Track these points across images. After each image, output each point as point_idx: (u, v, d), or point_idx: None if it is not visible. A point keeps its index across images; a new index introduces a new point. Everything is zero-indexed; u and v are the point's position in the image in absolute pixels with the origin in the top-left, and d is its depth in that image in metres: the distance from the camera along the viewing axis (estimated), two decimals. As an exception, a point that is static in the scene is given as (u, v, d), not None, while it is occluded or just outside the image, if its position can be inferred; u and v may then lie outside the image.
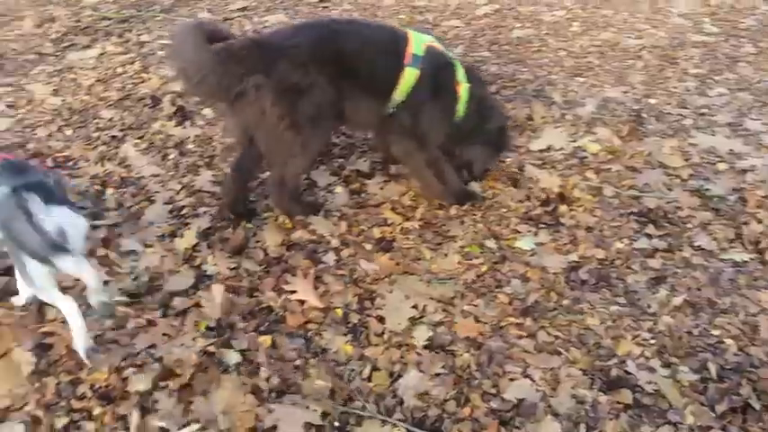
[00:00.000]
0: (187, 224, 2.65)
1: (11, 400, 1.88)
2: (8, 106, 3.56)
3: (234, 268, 2.42)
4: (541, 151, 3.10)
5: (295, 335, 2.14)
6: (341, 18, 2.83)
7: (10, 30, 4.67)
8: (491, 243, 2.54)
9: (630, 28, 4.54)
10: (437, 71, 2.60)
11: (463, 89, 2.67)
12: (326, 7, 5.18)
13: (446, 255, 2.49)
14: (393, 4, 5.21)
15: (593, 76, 3.89)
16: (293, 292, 2.29)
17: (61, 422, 1.82)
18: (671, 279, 2.35)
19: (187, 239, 2.55)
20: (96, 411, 1.85)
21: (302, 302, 2.26)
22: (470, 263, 2.45)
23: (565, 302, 2.26)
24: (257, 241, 2.57)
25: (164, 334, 2.12)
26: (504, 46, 4.37)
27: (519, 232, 2.59)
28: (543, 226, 2.62)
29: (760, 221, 2.56)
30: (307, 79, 2.40)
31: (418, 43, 2.56)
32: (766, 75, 3.77)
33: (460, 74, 2.67)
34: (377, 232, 2.61)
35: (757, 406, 1.86)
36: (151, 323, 2.16)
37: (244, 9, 5.16)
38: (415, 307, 2.23)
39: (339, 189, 2.87)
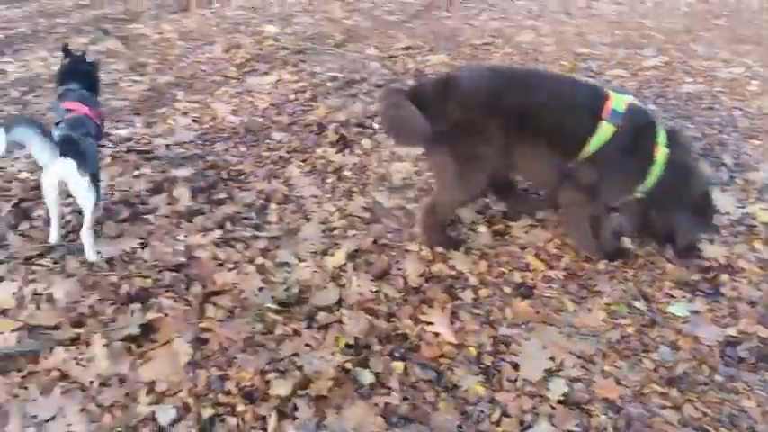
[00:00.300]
0: (337, 244, 2.80)
1: (167, 385, 2.04)
2: (194, 120, 4.02)
3: (375, 292, 2.52)
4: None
5: (428, 366, 2.18)
6: (541, 70, 2.83)
7: (202, 53, 5.30)
8: (640, 304, 2.43)
9: (819, 91, 4.16)
10: (635, 130, 2.50)
11: (661, 153, 2.49)
12: (488, 50, 5.30)
13: (590, 309, 2.42)
14: (555, 50, 5.21)
15: (771, 138, 3.60)
16: (429, 323, 2.34)
17: (207, 413, 1.94)
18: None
19: (336, 258, 2.70)
20: (239, 408, 1.96)
21: (437, 335, 2.30)
22: (616, 322, 2.36)
23: (717, 378, 2.10)
24: (399, 269, 2.66)
25: (306, 344, 2.24)
26: (672, 100, 4.19)
27: (673, 297, 2.46)
28: (700, 294, 2.47)
29: None
30: (476, 121, 2.48)
31: (619, 100, 2.51)
32: None
33: (661, 136, 2.52)
34: (517, 276, 2.60)
35: None
36: (296, 332, 2.30)
37: (408, 48, 5.44)
38: (552, 359, 2.18)
39: (482, 228, 2.91)
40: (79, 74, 2.97)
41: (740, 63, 4.73)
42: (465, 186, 2.64)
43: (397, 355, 2.23)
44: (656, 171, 2.49)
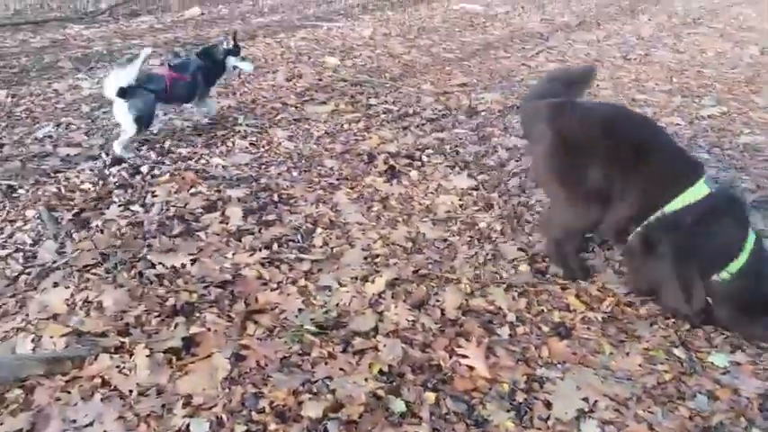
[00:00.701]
0: (378, 271, 2.86)
1: (203, 399, 2.09)
2: (251, 144, 4.19)
3: (412, 321, 2.56)
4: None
5: (460, 399, 2.18)
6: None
7: (264, 80, 5.53)
8: (679, 351, 2.38)
9: None
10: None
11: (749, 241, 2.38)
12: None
13: (628, 354, 2.39)
14: (611, 94, 5.20)
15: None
16: (464, 356, 2.36)
17: (240, 429, 1.98)
18: None
19: (376, 285, 2.75)
20: (271, 427, 1.99)
21: (471, 368, 2.31)
22: (653, 367, 2.32)
23: (755, 431, 2.04)
24: (437, 300, 2.69)
25: (341, 368, 2.28)
26: (728, 150, 4.13)
27: (714, 346, 2.40)
28: (742, 345, 2.39)
29: None
30: (583, 144, 2.53)
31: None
32: None
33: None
34: (556, 316, 2.59)
35: None
36: (332, 356, 2.34)
37: (463, 85, 5.54)
38: (585, 400, 2.16)
39: (523, 267, 2.92)
40: (203, 52, 4.31)
41: (803, 116, 4.62)
42: (572, 212, 2.68)
43: (429, 385, 2.25)
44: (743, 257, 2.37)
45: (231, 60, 4.36)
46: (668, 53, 6.35)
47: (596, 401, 2.15)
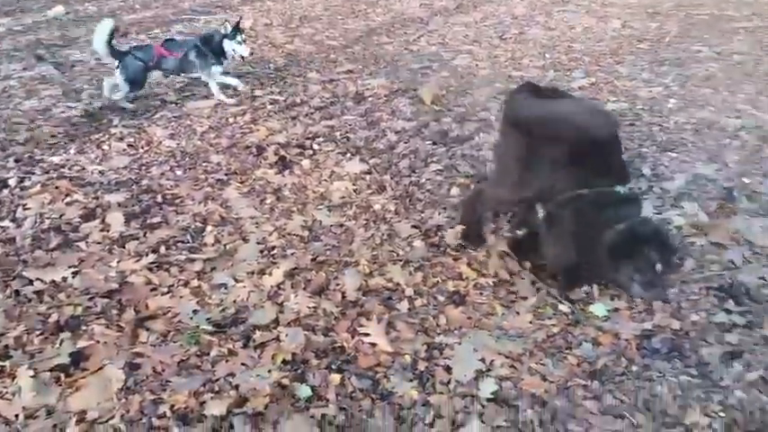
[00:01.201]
0: (275, 263, 2.83)
1: (99, 412, 2.00)
2: (129, 145, 3.99)
3: (313, 308, 2.56)
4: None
5: (364, 375, 2.22)
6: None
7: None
8: (564, 307, 2.54)
9: (730, 108, 4.46)
10: None
11: None
12: (426, 73, 5.47)
13: (518, 313, 2.52)
14: (489, 73, 5.42)
15: (686, 152, 3.84)
16: (366, 334, 2.39)
17: None
18: (748, 355, 2.26)
19: (274, 278, 2.72)
20: (174, 431, 1.95)
21: (373, 345, 2.35)
22: (542, 323, 2.47)
23: (634, 368, 2.23)
24: (337, 284, 2.71)
25: (242, 364, 2.25)
26: (596, 117, 4.41)
27: (594, 298, 2.58)
28: (619, 294, 2.59)
29: None
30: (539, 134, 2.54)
31: None
32: None
33: None
34: (451, 285, 2.68)
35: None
36: (232, 353, 2.30)
37: (349, 72, 5.56)
38: (482, 360, 2.26)
39: (418, 242, 2.99)
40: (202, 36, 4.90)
41: (660, 83, 5.03)
42: (508, 186, 2.71)
43: (334, 367, 2.26)
44: None
45: (227, 44, 4.74)
46: (540, 31, 6.70)
47: (492, 360, 2.26)
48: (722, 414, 2.02)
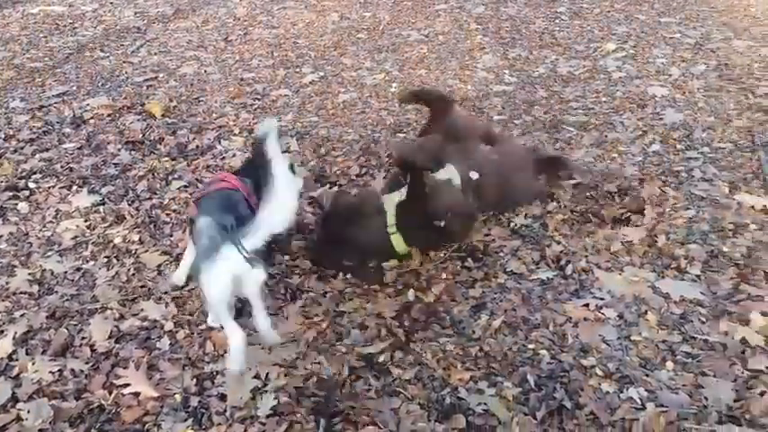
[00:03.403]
0: (1, 331, 2.43)
1: None
2: None
3: (58, 371, 2.26)
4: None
5: (131, 430, 2.02)
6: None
7: None
8: (327, 301, 2.60)
9: (442, 85, 4.97)
10: None
11: None
12: (152, 85, 5.12)
13: (287, 317, 2.52)
14: (220, 78, 5.29)
15: (413, 131, 4.18)
16: (126, 385, 2.18)
17: None
18: (490, 304, 2.56)
19: (2, 347, 2.36)
20: None
21: (137, 395, 2.15)
22: (311, 321, 2.49)
23: (399, 343, 2.37)
24: (83, 338, 2.42)
25: (-22, 461, 1.92)
26: (331, 110, 4.59)
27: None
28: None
29: (559, 242, 2.89)
30: None
31: None
32: (557, 114, 4.29)
33: None
34: (211, 308, 2.57)
35: (569, 405, 2.07)
36: (-38, 452, 1.95)
37: (62, 95, 4.96)
38: (257, 377, 2.21)
39: (170, 270, 2.80)
40: None
41: (381, 69, 5.40)
42: None
43: (94, 431, 2.03)
44: None
45: None
46: (265, 30, 6.70)
47: (267, 374, 2.22)
48: (480, 365, 2.27)
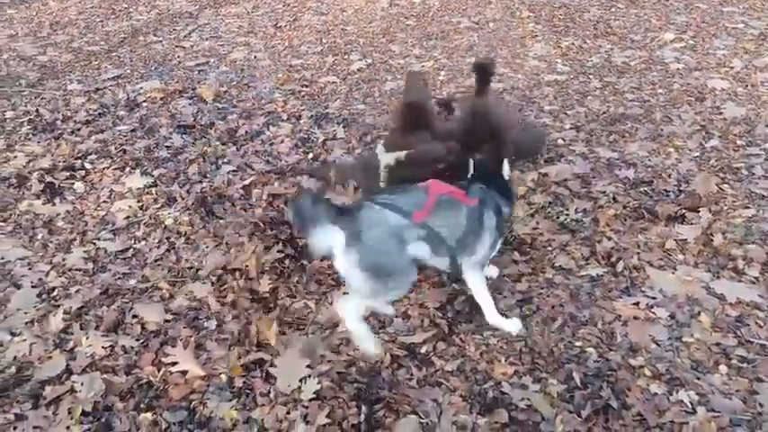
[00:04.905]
0: (58, 305, 2.53)
1: None
2: None
3: (110, 347, 2.33)
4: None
5: (177, 407, 2.08)
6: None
7: None
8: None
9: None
10: None
11: None
12: (203, 70, 5.20)
13: (332, 303, 2.53)
14: (269, 64, 5.33)
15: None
16: (174, 363, 2.23)
17: None
18: (536, 299, 2.51)
19: (57, 321, 2.44)
20: None
21: (184, 373, 2.20)
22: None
23: (442, 334, 2.36)
24: (134, 316, 2.49)
25: (35, 427, 2.00)
26: (378, 98, 4.57)
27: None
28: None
29: (610, 238, 2.80)
30: None
31: None
32: (611, 105, 4.17)
33: None
34: (264, 286, 2.59)
35: (616, 405, 2.02)
36: (20, 417, 2.04)
37: (117, 78, 5.09)
38: (309, 365, 2.21)
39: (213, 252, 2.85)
40: None
41: (430, 57, 5.34)
42: None
43: (143, 406, 2.10)
44: None
45: None
46: (314, 16, 6.73)
47: (317, 358, 2.24)
48: (525, 360, 2.24)
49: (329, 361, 2.23)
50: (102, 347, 2.32)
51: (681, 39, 5.14)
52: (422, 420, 1.99)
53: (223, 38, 6.10)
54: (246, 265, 2.66)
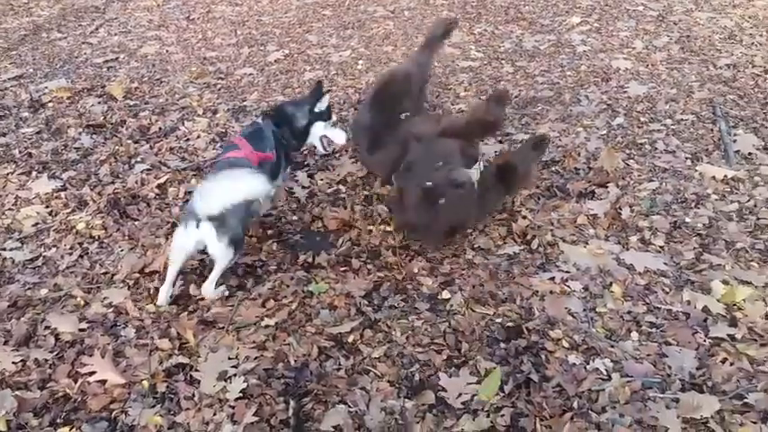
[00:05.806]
0: (-39, 324, 2.37)
1: None
2: None
3: (21, 362, 2.21)
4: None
5: (98, 419, 2.00)
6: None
7: None
8: (294, 282, 2.59)
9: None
10: None
11: None
12: (112, 67, 4.98)
13: (255, 299, 2.49)
14: (183, 57, 5.16)
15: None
16: (92, 373, 2.14)
17: None
18: (458, 280, 2.57)
19: (-38, 341, 2.29)
20: None
21: (103, 382, 2.12)
22: (281, 303, 2.48)
23: (369, 322, 2.38)
24: (47, 327, 2.37)
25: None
26: (297, 89, 4.52)
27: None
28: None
29: (525, 217, 2.91)
30: None
31: None
32: (522, 89, 4.30)
33: None
34: (178, 291, 2.54)
35: (536, 378, 2.10)
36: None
37: (18, 78, 4.80)
38: (229, 359, 2.19)
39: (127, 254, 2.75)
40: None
41: (347, 47, 5.32)
42: None
43: (60, 421, 2.01)
44: None
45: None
46: (228, 7, 6.55)
47: (238, 355, 2.21)
48: (449, 340, 2.29)
49: (255, 358, 2.20)
50: (13, 363, 2.20)
51: (586, 22, 5.36)
52: (351, 409, 2.01)
53: (133, 32, 5.85)
54: (164, 267, 2.58)
